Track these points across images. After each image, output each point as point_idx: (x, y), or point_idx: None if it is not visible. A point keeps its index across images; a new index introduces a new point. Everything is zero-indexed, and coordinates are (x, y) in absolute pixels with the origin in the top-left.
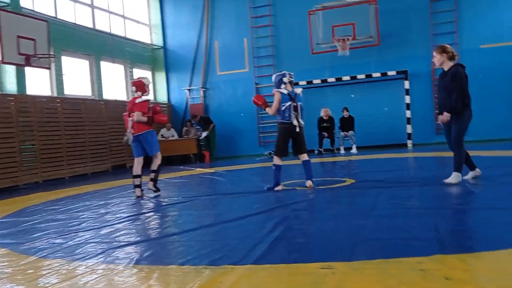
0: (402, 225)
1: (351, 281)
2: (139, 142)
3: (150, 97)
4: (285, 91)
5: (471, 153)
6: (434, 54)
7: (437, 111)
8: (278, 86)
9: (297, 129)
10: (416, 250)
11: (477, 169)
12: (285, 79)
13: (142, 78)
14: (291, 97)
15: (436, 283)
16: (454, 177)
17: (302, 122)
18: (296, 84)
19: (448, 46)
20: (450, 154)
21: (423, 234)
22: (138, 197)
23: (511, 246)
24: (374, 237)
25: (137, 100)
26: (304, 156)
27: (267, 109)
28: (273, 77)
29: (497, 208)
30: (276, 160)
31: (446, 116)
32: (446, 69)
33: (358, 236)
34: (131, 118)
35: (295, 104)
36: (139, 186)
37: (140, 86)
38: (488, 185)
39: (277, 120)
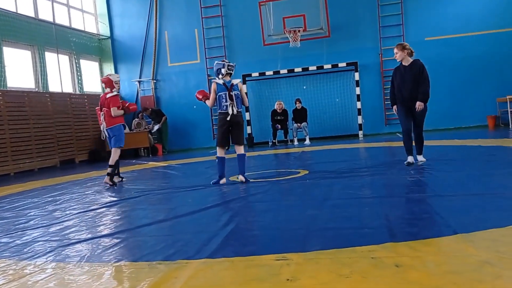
0: (355, 214)
1: (306, 271)
2: (109, 135)
3: (99, 89)
4: (220, 81)
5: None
6: (396, 50)
7: (390, 102)
8: (216, 76)
9: (228, 118)
10: (368, 239)
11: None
12: (223, 70)
13: (110, 75)
14: (227, 87)
15: (386, 270)
16: (422, 157)
17: (238, 109)
18: (249, 75)
19: (407, 44)
20: (399, 144)
21: (375, 223)
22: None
23: (456, 232)
24: (327, 227)
25: (108, 95)
26: (240, 149)
27: (207, 102)
28: (214, 64)
29: (443, 195)
30: (219, 152)
31: (421, 105)
32: (406, 64)
33: (312, 227)
34: (102, 113)
35: (230, 93)
36: (116, 174)
37: (108, 82)
38: (434, 174)
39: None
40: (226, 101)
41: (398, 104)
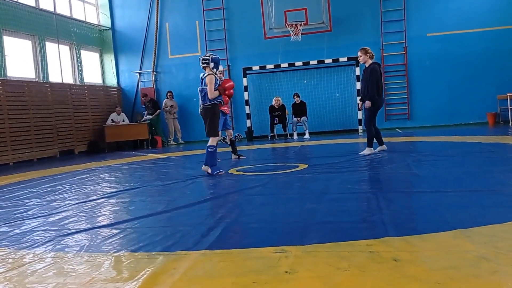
0: (354, 208)
1: (304, 264)
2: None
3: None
4: (201, 75)
5: (418, 138)
6: (359, 53)
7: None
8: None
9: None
10: (367, 233)
11: (384, 145)
12: (200, 64)
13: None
14: (201, 81)
15: (384, 264)
16: (367, 150)
17: (203, 103)
18: (249, 68)
19: (368, 48)
20: (398, 139)
21: (373, 217)
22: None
23: (454, 228)
24: (326, 221)
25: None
26: (209, 140)
27: None
28: None
29: (441, 191)
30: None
31: (368, 103)
32: (367, 65)
33: (311, 220)
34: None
35: (200, 87)
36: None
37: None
38: (433, 169)
39: None
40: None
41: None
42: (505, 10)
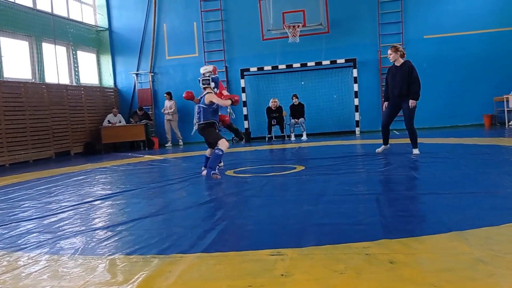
0: (350, 210)
1: (300, 267)
2: None
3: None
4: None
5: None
6: (390, 52)
7: (383, 99)
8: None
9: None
10: (363, 235)
11: (388, 145)
12: (200, 84)
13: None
14: (200, 100)
15: (381, 267)
16: (417, 150)
17: (200, 122)
18: (247, 70)
19: (399, 45)
20: (396, 141)
21: (370, 219)
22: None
23: (450, 230)
24: (323, 223)
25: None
26: (220, 145)
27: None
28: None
29: (438, 193)
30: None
31: (413, 103)
32: (398, 64)
33: (308, 222)
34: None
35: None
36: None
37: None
38: (430, 171)
39: None
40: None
41: (390, 101)
42: (502, 13)
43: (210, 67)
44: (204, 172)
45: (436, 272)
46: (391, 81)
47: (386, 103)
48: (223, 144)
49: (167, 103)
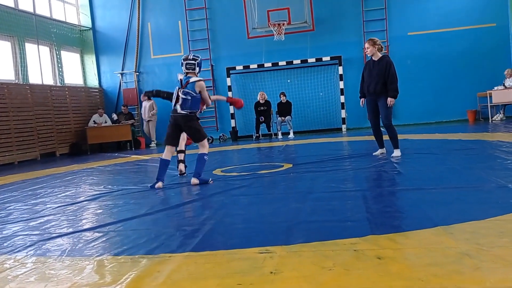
0: (338, 207)
1: (289, 264)
2: None
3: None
4: (180, 76)
5: (400, 136)
6: (367, 45)
7: (360, 95)
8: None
9: (173, 120)
10: (351, 232)
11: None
12: (183, 68)
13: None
14: (182, 83)
15: (369, 262)
16: (397, 152)
17: (185, 111)
18: (233, 68)
19: (377, 39)
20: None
21: (357, 216)
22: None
23: (436, 225)
24: (311, 220)
25: None
26: (200, 148)
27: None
28: None
29: (424, 188)
30: (165, 152)
31: (392, 100)
32: (375, 59)
33: (296, 220)
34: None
35: (180, 91)
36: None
37: None
38: (416, 167)
39: None
40: (174, 98)
41: (367, 98)
42: (485, 9)
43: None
44: (195, 181)
45: (423, 267)
46: (367, 76)
47: (362, 99)
48: (206, 146)
49: (145, 103)
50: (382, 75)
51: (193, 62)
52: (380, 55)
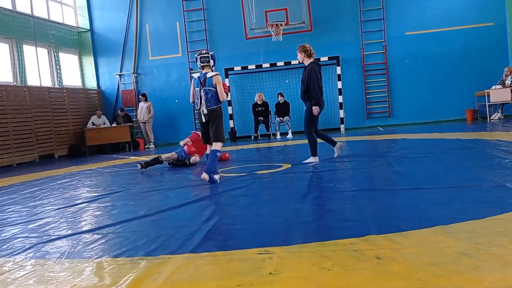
0: (337, 207)
1: (288, 265)
2: None
3: (79, 82)
4: (196, 75)
5: (399, 136)
6: (297, 52)
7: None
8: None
9: (203, 119)
10: (349, 232)
11: (339, 143)
12: (198, 63)
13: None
14: (201, 81)
15: (367, 262)
16: (311, 159)
17: (209, 107)
18: (231, 69)
19: (307, 45)
20: (380, 137)
21: (356, 216)
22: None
23: (435, 224)
24: (310, 220)
25: None
26: (214, 146)
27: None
28: None
29: (422, 188)
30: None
31: (316, 109)
32: (306, 64)
33: (295, 220)
34: None
35: (203, 89)
36: None
37: None
38: (414, 167)
39: None
40: (197, 98)
41: None
42: (482, 8)
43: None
44: (207, 177)
45: (422, 266)
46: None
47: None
48: (219, 145)
49: (143, 104)
50: (305, 82)
51: (207, 55)
52: (309, 61)
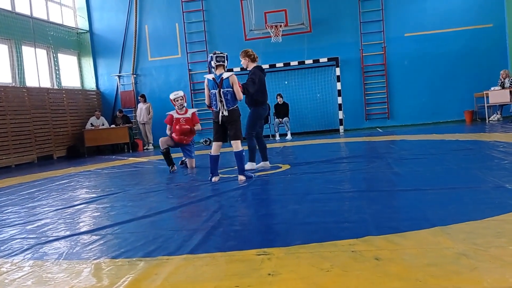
0: (336, 208)
1: (287, 266)
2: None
3: (77, 83)
4: (210, 76)
5: (398, 137)
6: (240, 58)
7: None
8: (210, 71)
9: (220, 119)
10: (348, 233)
11: (267, 162)
12: (212, 63)
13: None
14: (217, 83)
15: (366, 263)
16: (248, 165)
17: (225, 112)
18: (230, 70)
19: (250, 50)
20: (379, 138)
21: (355, 217)
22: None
23: (434, 225)
24: (309, 222)
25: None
26: (235, 146)
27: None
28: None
29: (421, 189)
30: (213, 148)
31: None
32: (250, 69)
33: (293, 221)
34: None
35: (221, 90)
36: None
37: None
38: (413, 168)
39: None
40: (215, 100)
41: None
42: (480, 10)
43: (181, 92)
44: (242, 178)
45: (421, 267)
46: None
47: None
48: (239, 145)
49: (142, 105)
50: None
51: (222, 55)
52: (253, 65)
